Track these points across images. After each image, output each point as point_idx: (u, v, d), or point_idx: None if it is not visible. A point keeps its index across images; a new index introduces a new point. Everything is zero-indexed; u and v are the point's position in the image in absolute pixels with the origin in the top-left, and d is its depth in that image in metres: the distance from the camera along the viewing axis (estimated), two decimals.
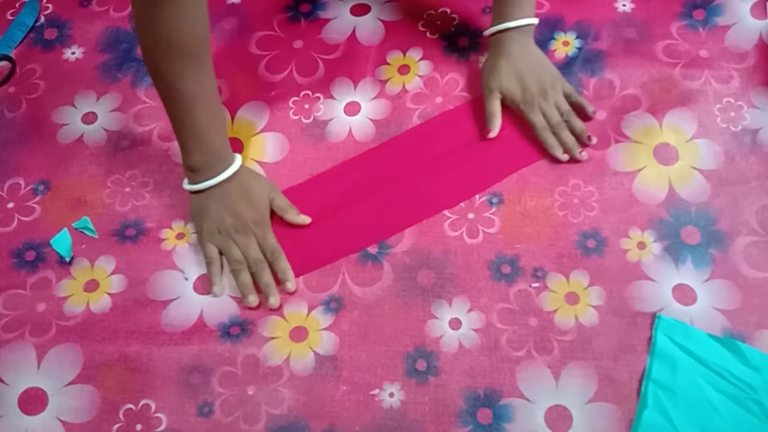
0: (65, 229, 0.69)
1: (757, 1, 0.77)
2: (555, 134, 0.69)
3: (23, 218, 0.70)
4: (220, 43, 0.80)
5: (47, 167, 0.73)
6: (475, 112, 0.73)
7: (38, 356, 0.63)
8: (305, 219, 0.67)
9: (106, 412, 0.60)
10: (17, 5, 0.85)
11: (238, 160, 0.66)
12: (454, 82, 0.75)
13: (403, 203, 0.68)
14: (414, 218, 0.68)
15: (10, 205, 0.71)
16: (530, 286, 0.64)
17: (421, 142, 0.72)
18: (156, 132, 0.75)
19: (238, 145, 0.73)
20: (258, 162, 0.72)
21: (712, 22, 0.76)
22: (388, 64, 0.77)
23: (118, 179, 0.72)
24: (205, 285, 0.66)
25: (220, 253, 0.65)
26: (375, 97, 0.75)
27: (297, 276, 0.65)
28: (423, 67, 0.76)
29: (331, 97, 0.76)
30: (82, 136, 0.75)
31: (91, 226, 0.69)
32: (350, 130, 0.73)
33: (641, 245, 0.65)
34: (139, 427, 0.60)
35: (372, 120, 0.74)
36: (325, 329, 0.63)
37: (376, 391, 0.60)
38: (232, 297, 0.65)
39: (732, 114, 0.70)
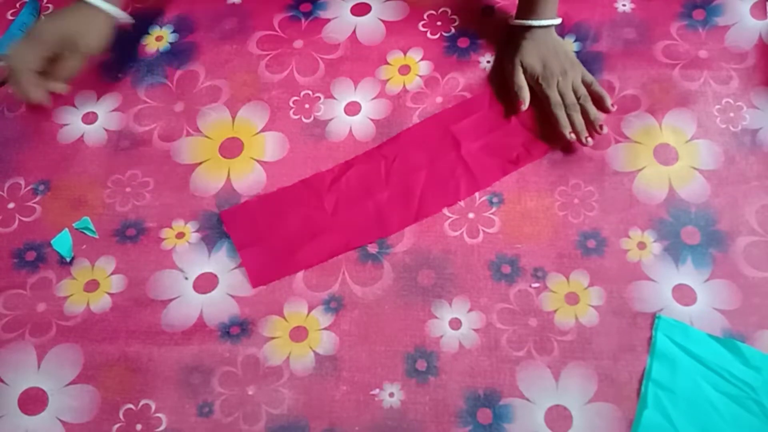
0: (66, 229, 0.69)
1: (757, 1, 0.77)
2: (567, 115, 0.69)
3: (24, 218, 0.70)
4: (220, 43, 0.80)
5: (47, 167, 0.73)
6: (475, 110, 0.73)
7: (38, 356, 0.63)
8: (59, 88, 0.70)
9: (106, 412, 0.60)
10: (17, 5, 0.85)
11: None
12: (454, 82, 0.75)
13: (403, 202, 0.68)
14: (414, 217, 0.68)
15: (11, 205, 0.71)
16: (530, 286, 0.64)
17: (421, 141, 0.72)
18: (156, 132, 0.75)
19: (238, 145, 0.73)
20: (258, 161, 0.72)
21: (711, 22, 0.76)
22: (388, 64, 0.77)
23: (119, 179, 0.72)
24: (204, 285, 0.66)
25: None
26: (375, 97, 0.75)
27: (298, 271, 0.65)
28: (423, 67, 0.76)
29: (332, 96, 0.76)
30: (82, 136, 0.75)
31: (91, 226, 0.69)
32: (350, 130, 0.73)
33: (641, 245, 0.65)
34: (139, 427, 0.60)
35: (372, 120, 0.74)
36: (325, 329, 0.63)
37: (376, 391, 0.60)
38: (232, 297, 0.65)
39: (731, 114, 0.71)
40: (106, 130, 0.75)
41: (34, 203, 0.71)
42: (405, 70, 0.77)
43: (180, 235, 0.68)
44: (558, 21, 0.73)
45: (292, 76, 0.77)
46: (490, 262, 0.65)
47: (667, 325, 0.61)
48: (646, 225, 0.66)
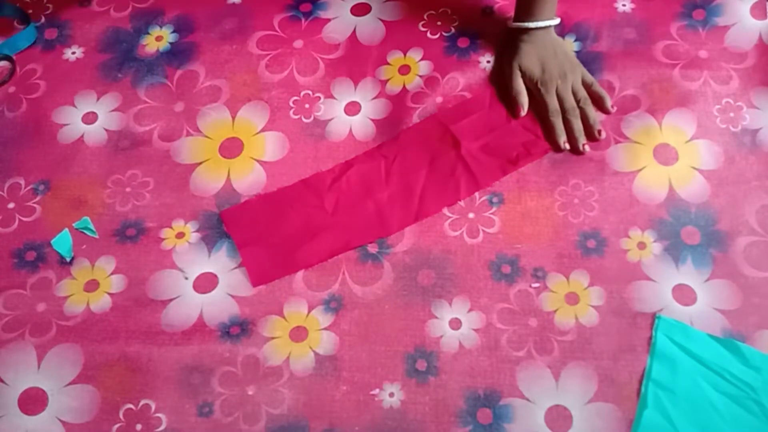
0: (66, 229, 0.69)
1: (757, 1, 0.77)
2: (565, 119, 0.69)
3: (24, 218, 0.70)
4: (220, 43, 0.80)
5: (47, 167, 0.73)
6: (475, 110, 0.73)
7: (38, 356, 0.63)
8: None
9: (106, 412, 0.60)
10: (17, 5, 0.85)
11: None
12: (454, 82, 0.75)
13: (403, 202, 0.68)
14: (414, 217, 0.68)
15: (11, 205, 0.71)
16: (530, 286, 0.64)
17: (421, 141, 0.72)
18: (156, 132, 0.75)
19: (238, 145, 0.73)
20: (258, 161, 0.72)
21: (711, 22, 0.76)
22: (388, 64, 0.77)
23: (119, 179, 0.72)
24: (204, 284, 0.66)
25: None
26: (375, 97, 0.75)
27: (298, 270, 0.65)
28: (423, 67, 0.76)
29: (332, 96, 0.76)
30: (82, 136, 0.75)
31: (91, 226, 0.69)
32: (350, 130, 0.73)
33: (641, 245, 0.65)
34: (139, 427, 0.60)
35: (372, 120, 0.74)
36: (325, 329, 0.63)
37: (376, 391, 0.60)
38: (232, 296, 0.65)
39: (731, 114, 0.71)
40: (106, 130, 0.75)
41: (34, 203, 0.71)
42: (405, 70, 0.77)
43: (180, 235, 0.68)
44: (556, 21, 0.72)
45: (292, 76, 0.77)
46: (490, 262, 0.65)
47: (667, 325, 0.61)
48: (646, 225, 0.66)
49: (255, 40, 0.80)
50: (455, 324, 0.62)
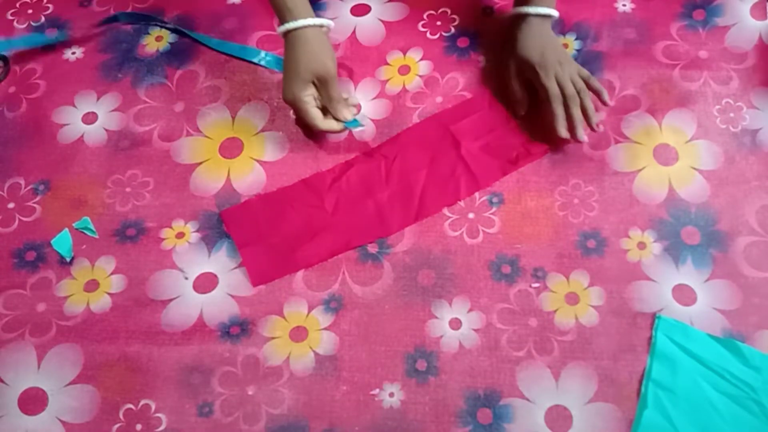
0: (66, 229, 0.69)
1: (757, 1, 0.77)
2: (565, 106, 0.68)
3: (24, 218, 0.70)
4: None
5: (47, 167, 0.73)
6: (475, 110, 0.73)
7: (38, 356, 0.63)
8: (332, 125, 0.69)
9: (106, 412, 0.60)
10: (18, 5, 0.85)
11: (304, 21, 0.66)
12: (454, 82, 0.75)
13: (403, 202, 0.68)
14: (414, 217, 0.68)
15: (11, 205, 0.71)
16: (530, 286, 0.64)
17: (421, 141, 0.72)
18: (156, 132, 0.75)
19: (238, 145, 0.73)
20: (258, 161, 0.72)
21: (711, 22, 0.76)
22: (388, 64, 0.77)
23: (119, 179, 0.72)
24: (204, 284, 0.66)
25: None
26: (375, 97, 0.75)
27: (298, 270, 0.66)
28: (423, 67, 0.76)
29: None
30: (82, 136, 0.75)
31: (91, 226, 0.69)
32: (351, 130, 0.73)
33: (641, 245, 0.65)
34: (139, 427, 0.60)
35: (372, 120, 0.74)
36: (325, 329, 0.63)
37: (376, 391, 0.60)
38: (232, 296, 0.65)
39: (731, 115, 0.71)
40: (106, 130, 0.75)
41: (34, 203, 0.71)
42: (405, 70, 0.77)
43: (180, 235, 0.68)
44: (555, 13, 0.70)
45: None
46: (490, 262, 0.65)
47: (667, 325, 0.61)
48: (646, 225, 0.66)
49: (255, 40, 0.80)
50: (455, 324, 0.62)
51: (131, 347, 0.63)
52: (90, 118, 0.76)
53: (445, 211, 0.68)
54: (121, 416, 0.60)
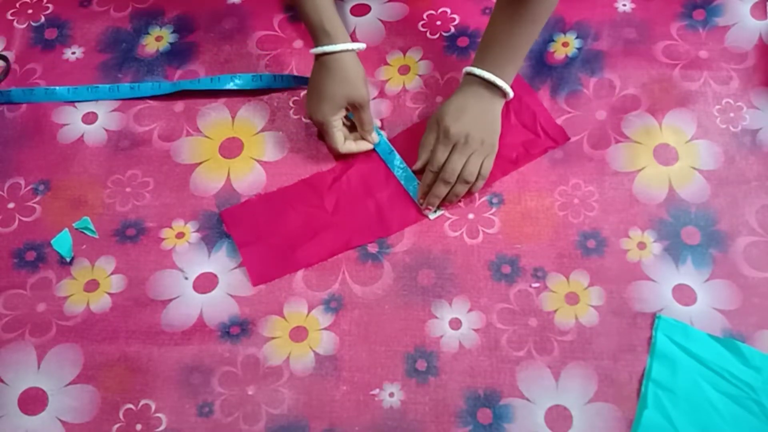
0: (66, 229, 0.69)
1: (757, 1, 0.77)
2: (433, 183, 0.66)
3: (24, 218, 0.70)
4: (220, 43, 0.80)
5: (47, 167, 0.73)
6: None
7: (38, 356, 0.63)
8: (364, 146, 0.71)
9: (106, 412, 0.60)
10: (18, 5, 0.85)
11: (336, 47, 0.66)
12: (454, 82, 0.75)
13: (403, 202, 0.68)
14: (414, 217, 0.68)
15: (11, 205, 0.71)
16: (530, 286, 0.64)
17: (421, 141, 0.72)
18: (156, 132, 0.75)
19: (238, 145, 0.73)
20: (258, 161, 0.72)
21: (712, 22, 0.76)
22: (388, 64, 0.77)
23: (118, 179, 0.72)
24: (204, 284, 0.66)
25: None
26: (375, 97, 0.75)
27: (298, 270, 0.66)
28: (423, 67, 0.76)
29: None
30: (82, 136, 0.75)
31: (91, 226, 0.69)
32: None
33: (641, 245, 0.65)
34: (139, 427, 0.60)
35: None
36: (325, 329, 0.63)
37: (376, 391, 0.60)
38: (232, 296, 0.65)
39: (731, 115, 0.71)
40: (106, 130, 0.75)
41: (34, 203, 0.71)
42: (405, 70, 0.77)
43: (180, 235, 0.68)
44: (510, 92, 0.65)
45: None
46: (490, 262, 0.65)
47: (667, 325, 0.61)
48: (646, 225, 0.66)
49: (255, 40, 0.80)
50: (455, 324, 0.62)
51: (131, 347, 0.63)
52: (90, 118, 0.76)
53: (445, 211, 0.68)
54: (121, 416, 0.60)
